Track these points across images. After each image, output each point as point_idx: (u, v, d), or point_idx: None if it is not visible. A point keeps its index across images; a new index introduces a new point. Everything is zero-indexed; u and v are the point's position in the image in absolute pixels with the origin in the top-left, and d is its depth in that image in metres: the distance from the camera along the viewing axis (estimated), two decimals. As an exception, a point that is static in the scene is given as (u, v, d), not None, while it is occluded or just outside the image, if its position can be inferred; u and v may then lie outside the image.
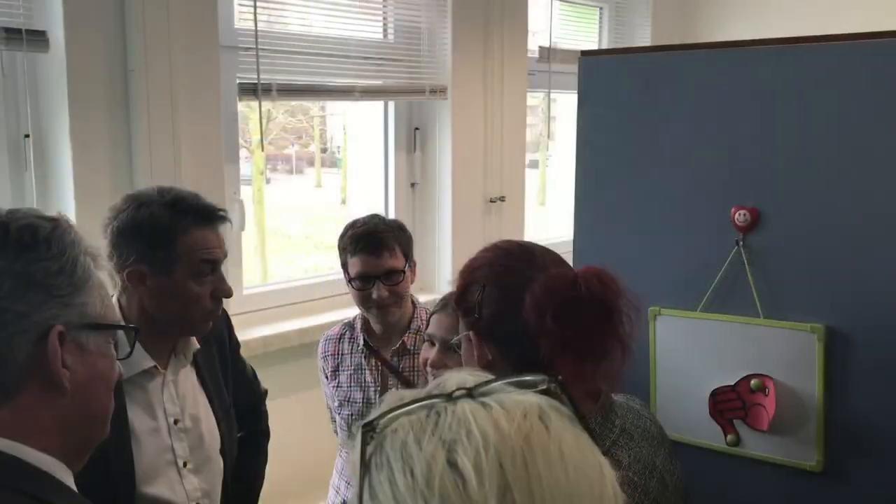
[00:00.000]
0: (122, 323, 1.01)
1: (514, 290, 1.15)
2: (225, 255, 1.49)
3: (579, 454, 0.60)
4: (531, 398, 0.62)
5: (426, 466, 0.58)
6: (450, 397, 0.61)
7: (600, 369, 1.18)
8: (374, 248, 1.89)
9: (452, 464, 0.57)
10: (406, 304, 1.99)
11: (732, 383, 1.69)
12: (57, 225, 0.92)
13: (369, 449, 0.61)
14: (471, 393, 0.61)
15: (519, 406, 0.60)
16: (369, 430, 0.61)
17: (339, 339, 2.06)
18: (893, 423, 1.57)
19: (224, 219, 1.49)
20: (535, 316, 1.12)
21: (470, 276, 1.23)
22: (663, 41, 3.80)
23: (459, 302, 1.23)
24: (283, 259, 5.11)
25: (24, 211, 0.93)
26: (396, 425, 0.61)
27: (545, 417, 0.60)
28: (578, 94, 1.91)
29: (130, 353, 1.08)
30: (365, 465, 0.60)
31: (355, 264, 1.91)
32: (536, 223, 4.11)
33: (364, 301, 1.92)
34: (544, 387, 0.63)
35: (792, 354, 1.65)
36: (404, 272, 1.94)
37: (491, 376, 0.64)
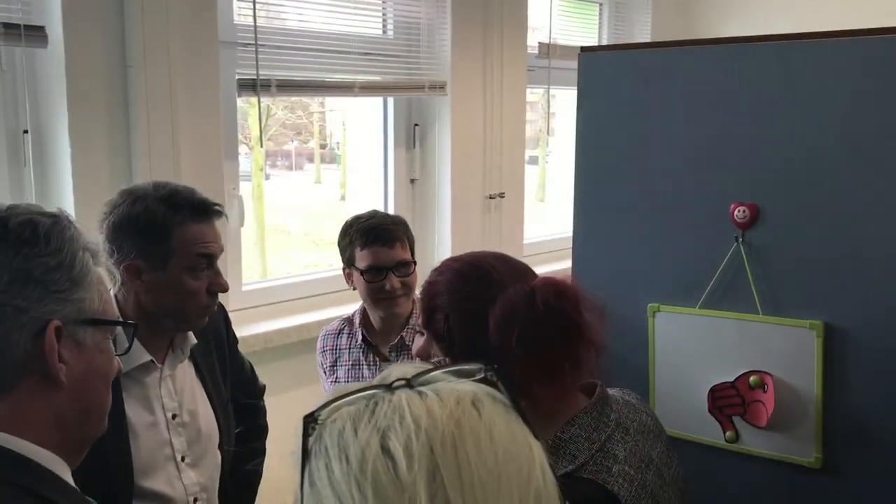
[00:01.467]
0: (121, 319, 1.01)
1: (477, 316, 1.16)
2: (221, 250, 1.49)
3: (509, 438, 0.62)
4: (467, 386, 0.64)
5: (360, 452, 0.60)
6: (389, 387, 0.64)
7: (578, 374, 1.19)
8: (387, 240, 1.90)
9: (385, 449, 0.60)
10: (411, 297, 1.99)
11: (731, 380, 1.69)
12: (56, 220, 0.92)
13: (311, 440, 0.64)
14: (410, 383, 0.64)
15: (453, 393, 0.63)
16: (311, 420, 0.64)
17: (338, 334, 2.06)
18: (892, 419, 1.57)
19: (219, 213, 1.49)
20: (501, 341, 1.13)
21: (431, 301, 1.24)
22: (663, 38, 3.80)
23: (427, 326, 1.25)
24: (282, 255, 5.10)
25: (24, 206, 0.94)
26: (336, 416, 0.64)
27: (478, 404, 0.63)
28: (578, 90, 1.91)
29: (129, 349, 1.08)
30: (306, 454, 0.64)
31: (366, 257, 1.90)
32: (536, 220, 4.11)
33: (375, 293, 1.92)
34: (481, 376, 0.66)
35: (791, 351, 1.65)
36: (415, 263, 1.95)
37: (430, 366, 0.67)
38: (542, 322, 1.13)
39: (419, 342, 1.62)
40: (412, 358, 1.89)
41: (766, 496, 1.72)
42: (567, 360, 1.17)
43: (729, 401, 1.70)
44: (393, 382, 0.64)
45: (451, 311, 1.20)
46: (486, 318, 1.15)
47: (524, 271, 1.25)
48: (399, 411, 0.61)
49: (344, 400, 0.64)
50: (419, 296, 1.30)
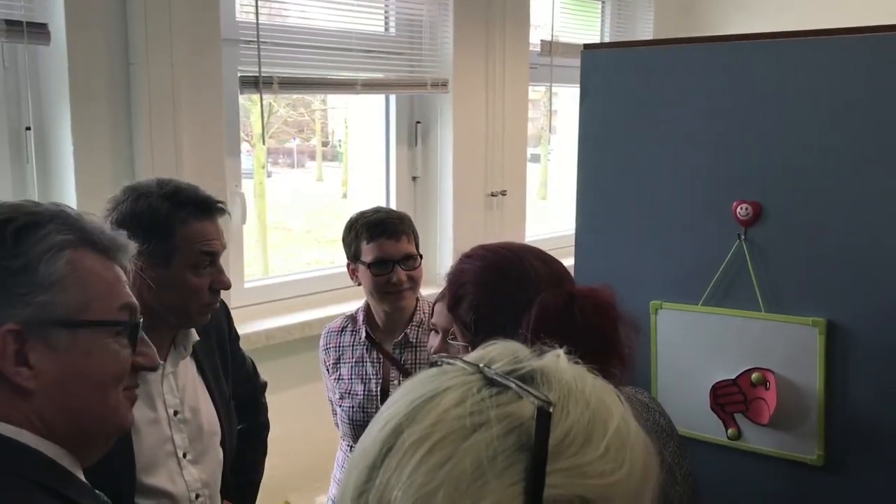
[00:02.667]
0: (137, 317, 0.97)
1: (509, 314, 1.14)
2: (224, 247, 1.49)
3: (451, 480, 0.55)
4: (512, 409, 0.58)
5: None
6: (479, 369, 0.61)
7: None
8: (393, 233, 1.91)
9: (385, 409, 0.62)
10: (416, 292, 2.00)
11: (734, 377, 1.69)
12: (35, 218, 0.89)
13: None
14: (492, 376, 0.60)
15: (485, 404, 0.58)
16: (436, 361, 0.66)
17: (341, 331, 2.06)
18: (894, 416, 1.57)
19: (223, 210, 1.49)
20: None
21: (460, 287, 1.22)
22: (665, 35, 3.79)
23: (452, 310, 1.23)
24: (284, 253, 5.10)
25: (18, 203, 0.91)
26: (445, 367, 0.64)
27: (483, 426, 0.57)
28: (581, 87, 1.91)
29: (134, 348, 1.06)
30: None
31: (372, 250, 1.91)
32: (537, 218, 4.11)
33: (381, 286, 1.92)
34: (531, 409, 0.58)
35: (793, 348, 1.65)
36: (421, 256, 1.95)
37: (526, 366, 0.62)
38: (577, 335, 1.11)
39: (434, 340, 1.62)
40: (431, 353, 1.88)
41: (768, 493, 1.72)
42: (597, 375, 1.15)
43: (731, 398, 1.70)
44: (486, 366, 0.61)
45: (481, 302, 1.18)
46: (519, 316, 1.13)
47: (561, 274, 1.22)
48: (435, 388, 0.60)
49: (453, 362, 0.64)
50: (446, 278, 1.28)
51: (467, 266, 1.23)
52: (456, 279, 1.23)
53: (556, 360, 0.64)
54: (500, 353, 0.64)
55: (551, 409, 0.56)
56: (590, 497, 0.56)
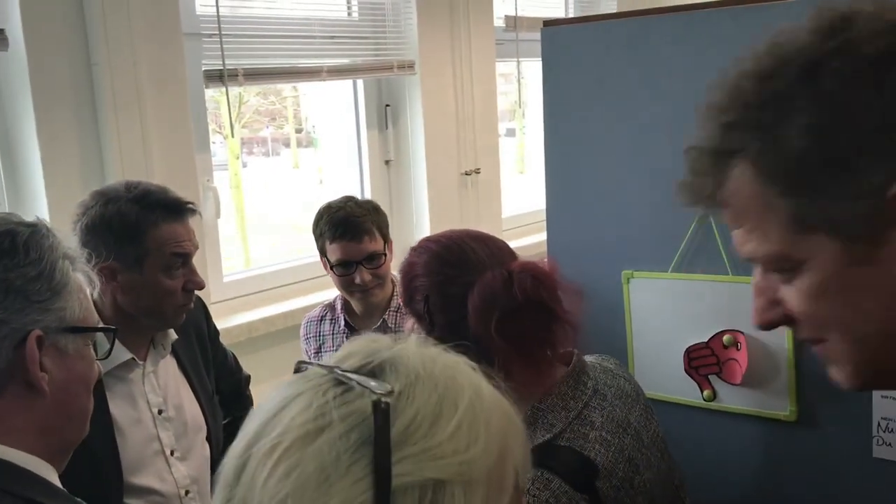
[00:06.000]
0: (101, 324, 1.03)
1: (456, 299, 1.17)
2: (196, 248, 1.50)
3: (297, 488, 0.55)
4: (353, 408, 0.57)
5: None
6: (331, 368, 0.61)
7: (556, 353, 1.21)
8: (354, 234, 1.90)
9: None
10: (387, 283, 2.01)
11: (706, 340, 1.73)
12: (35, 230, 0.93)
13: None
14: (339, 375, 0.60)
15: (328, 409, 0.57)
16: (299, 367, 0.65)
17: (321, 320, 2.08)
18: (861, 369, 1.61)
19: (193, 211, 1.50)
20: (480, 327, 1.14)
21: (410, 283, 1.25)
22: (630, 7, 3.79)
23: (407, 305, 1.26)
24: (264, 242, 5.10)
25: (2, 216, 0.94)
26: (305, 372, 0.64)
27: (324, 432, 0.56)
28: (543, 63, 1.92)
29: (109, 352, 1.10)
30: None
31: (335, 251, 1.91)
32: (518, 193, 4.12)
33: (347, 286, 1.93)
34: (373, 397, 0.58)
35: (762, 309, 1.68)
36: (385, 254, 1.95)
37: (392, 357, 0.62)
38: (520, 310, 1.14)
39: (410, 323, 1.65)
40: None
41: (745, 450, 1.76)
42: (546, 345, 1.19)
43: (704, 360, 1.74)
44: (338, 366, 0.61)
45: (429, 293, 1.21)
46: (465, 300, 1.16)
47: (503, 252, 1.25)
48: (288, 395, 0.60)
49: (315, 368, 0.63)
50: (398, 276, 1.32)
51: (415, 259, 1.26)
52: (406, 273, 1.26)
53: (407, 347, 0.63)
54: (358, 348, 0.63)
55: (388, 400, 0.56)
56: (444, 478, 0.56)
